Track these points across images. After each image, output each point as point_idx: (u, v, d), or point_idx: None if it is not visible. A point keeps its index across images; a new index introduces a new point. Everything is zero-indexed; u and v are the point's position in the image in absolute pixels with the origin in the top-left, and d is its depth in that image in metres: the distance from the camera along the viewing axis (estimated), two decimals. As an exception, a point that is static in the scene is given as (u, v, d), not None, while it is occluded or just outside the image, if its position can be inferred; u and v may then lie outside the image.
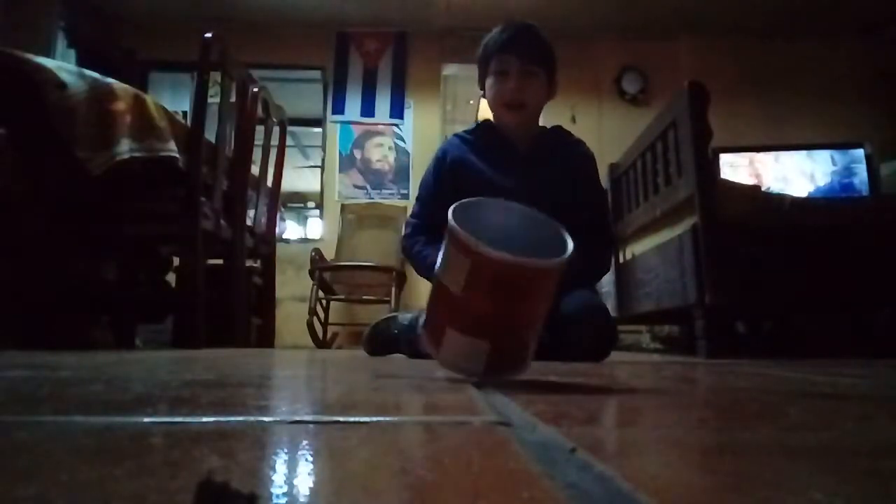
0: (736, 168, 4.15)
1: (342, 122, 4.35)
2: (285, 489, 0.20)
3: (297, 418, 0.36)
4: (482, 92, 1.52)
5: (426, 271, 1.48)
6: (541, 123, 1.59)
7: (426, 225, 1.49)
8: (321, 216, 4.33)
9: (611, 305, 2.50)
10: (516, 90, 1.43)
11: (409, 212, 1.64)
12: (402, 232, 1.58)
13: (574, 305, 1.29)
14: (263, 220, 2.58)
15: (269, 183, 2.65)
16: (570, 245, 0.65)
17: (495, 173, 1.47)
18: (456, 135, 1.58)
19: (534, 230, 0.73)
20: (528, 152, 1.50)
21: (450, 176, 1.49)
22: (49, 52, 3.58)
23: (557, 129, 1.60)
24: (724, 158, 4.12)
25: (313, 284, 3.50)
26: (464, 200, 0.71)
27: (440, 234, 1.40)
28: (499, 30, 1.47)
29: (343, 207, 4.11)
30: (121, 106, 1.60)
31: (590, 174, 1.55)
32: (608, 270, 1.62)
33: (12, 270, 1.62)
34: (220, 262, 2.16)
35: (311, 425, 0.34)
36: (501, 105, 1.47)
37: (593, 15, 4.19)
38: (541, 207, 1.36)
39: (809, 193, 3.84)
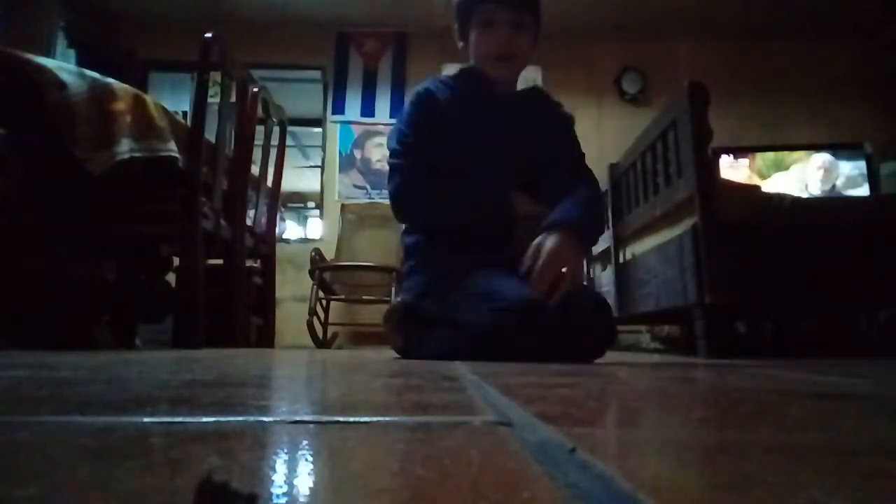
0: (736, 168, 4.15)
1: (342, 122, 4.35)
2: (285, 489, 0.20)
3: (297, 418, 0.36)
4: (461, 44, 1.44)
5: (438, 202, 1.36)
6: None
7: (414, 164, 1.36)
8: (321, 216, 4.33)
9: (610, 305, 2.50)
10: (507, 42, 1.35)
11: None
12: (390, 179, 1.40)
13: (577, 301, 1.24)
14: (263, 220, 2.58)
15: (269, 183, 2.65)
16: None
17: (478, 119, 1.40)
18: (436, 79, 1.48)
19: None
20: (512, 101, 1.45)
21: (429, 118, 1.39)
22: (49, 52, 3.59)
23: (537, 89, 1.59)
24: (724, 158, 4.12)
25: (313, 284, 3.50)
26: None
27: (426, 175, 1.35)
28: None
29: (343, 207, 4.11)
30: (121, 106, 1.60)
31: (571, 134, 1.52)
32: (601, 200, 1.63)
33: (12, 270, 1.62)
34: (220, 262, 2.16)
35: (311, 425, 0.34)
36: (490, 58, 1.38)
37: (593, 15, 4.19)
38: (522, 155, 1.40)
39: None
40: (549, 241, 1.22)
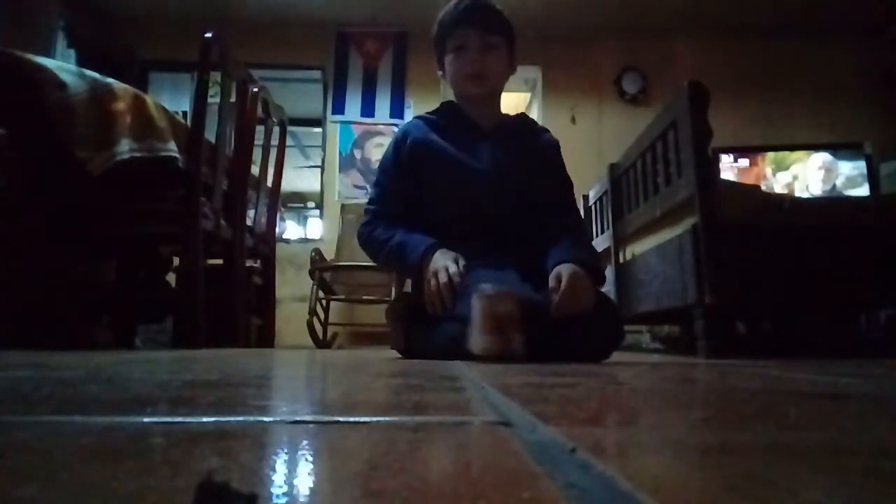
0: (736, 168, 4.15)
1: (342, 122, 4.35)
2: (285, 489, 0.20)
3: (297, 418, 0.36)
4: (441, 73, 1.52)
5: (385, 257, 1.40)
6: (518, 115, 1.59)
7: (385, 213, 1.46)
8: (321, 216, 4.33)
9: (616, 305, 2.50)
10: (477, 61, 1.41)
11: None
12: (361, 220, 1.52)
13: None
14: (263, 220, 2.58)
15: (269, 183, 2.65)
16: None
17: (461, 153, 1.43)
18: (417, 116, 1.55)
19: None
20: (494, 132, 1.48)
21: (411, 159, 1.44)
22: (49, 52, 3.59)
23: (523, 116, 1.60)
24: (724, 158, 4.12)
25: (313, 284, 3.50)
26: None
27: (399, 222, 1.44)
28: (453, 4, 1.44)
29: (343, 207, 4.11)
30: (121, 106, 1.60)
31: (558, 162, 1.54)
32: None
33: (12, 270, 1.62)
34: (220, 262, 2.16)
35: (311, 425, 0.34)
36: (462, 78, 1.43)
37: (593, 15, 4.19)
38: (509, 187, 1.44)
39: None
40: (569, 271, 1.24)
